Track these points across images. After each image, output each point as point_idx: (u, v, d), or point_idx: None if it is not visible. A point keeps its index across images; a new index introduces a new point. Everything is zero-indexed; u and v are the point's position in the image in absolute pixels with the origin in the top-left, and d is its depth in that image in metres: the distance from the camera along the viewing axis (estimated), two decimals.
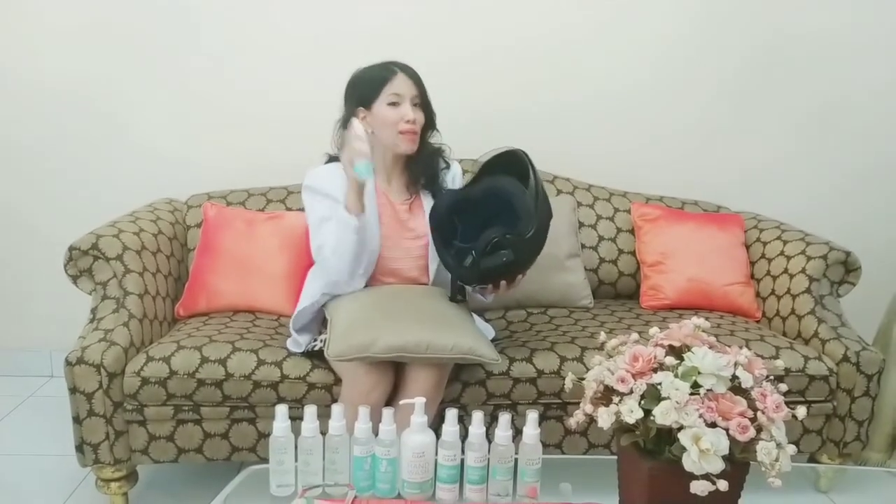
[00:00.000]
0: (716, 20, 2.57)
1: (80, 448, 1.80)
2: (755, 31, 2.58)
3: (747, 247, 2.36)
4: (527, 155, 1.74)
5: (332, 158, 1.92)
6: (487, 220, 1.73)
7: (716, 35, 2.58)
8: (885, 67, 2.63)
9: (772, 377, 1.15)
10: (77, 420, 1.78)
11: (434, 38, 2.51)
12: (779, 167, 2.70)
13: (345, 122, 1.87)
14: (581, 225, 2.41)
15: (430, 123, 1.88)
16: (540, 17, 2.54)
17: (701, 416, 1.04)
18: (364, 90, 1.83)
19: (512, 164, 1.76)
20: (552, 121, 2.61)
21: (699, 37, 2.58)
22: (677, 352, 1.14)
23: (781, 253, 2.24)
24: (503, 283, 1.76)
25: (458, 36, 2.54)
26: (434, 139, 1.92)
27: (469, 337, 1.68)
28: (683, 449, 1.02)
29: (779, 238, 2.29)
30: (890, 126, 2.68)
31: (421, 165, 1.89)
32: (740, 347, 1.15)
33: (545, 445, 1.85)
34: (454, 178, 1.96)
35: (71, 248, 1.92)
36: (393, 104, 1.79)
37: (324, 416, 1.31)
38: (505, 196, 1.73)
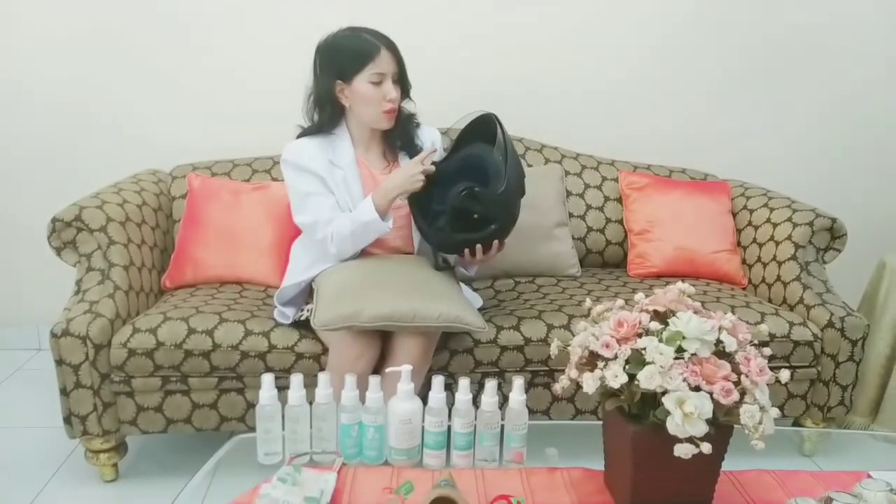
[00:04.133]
0: None
1: (67, 420, 1.80)
2: (745, 4, 2.56)
3: (734, 214, 2.37)
4: (496, 116, 1.75)
5: (305, 131, 1.88)
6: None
7: (706, 8, 2.56)
8: (865, 36, 2.62)
9: (756, 342, 1.15)
10: (64, 392, 1.78)
11: (420, 8, 2.48)
12: (766, 136, 2.70)
13: (321, 94, 1.82)
14: (569, 194, 2.40)
15: (405, 94, 1.85)
16: None
17: (685, 380, 1.04)
18: (345, 63, 1.77)
19: (484, 129, 1.76)
20: (541, 90, 2.59)
21: (690, 10, 2.56)
22: (662, 317, 1.15)
23: (768, 220, 2.24)
24: (479, 249, 1.75)
25: (446, 7, 2.50)
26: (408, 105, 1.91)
27: (456, 305, 1.68)
28: (668, 413, 1.03)
29: (765, 205, 2.29)
30: (874, 94, 2.68)
31: (397, 132, 1.88)
32: (725, 313, 1.15)
33: (533, 412, 1.87)
34: (434, 145, 1.94)
35: (54, 220, 1.90)
36: (375, 83, 1.76)
37: (311, 385, 1.31)
38: (475, 161, 1.75)
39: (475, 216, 1.72)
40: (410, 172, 1.74)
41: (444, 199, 1.74)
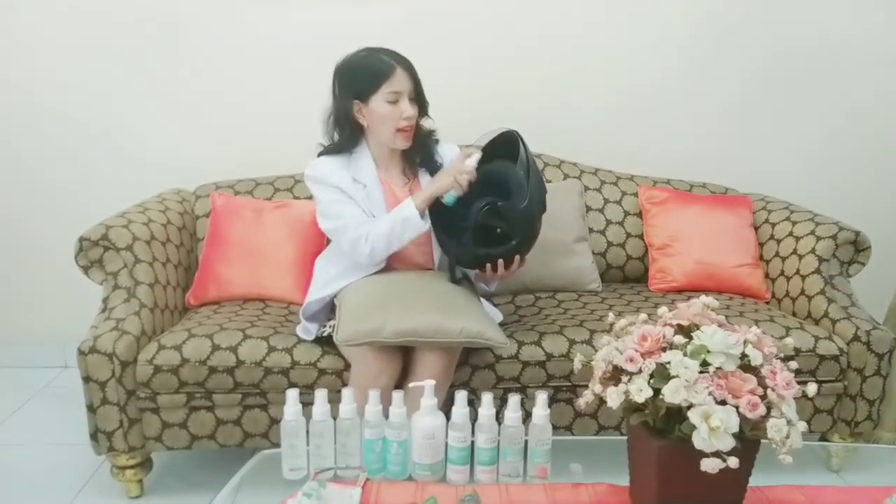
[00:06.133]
0: (720, 7, 2.56)
1: (94, 436, 1.82)
2: (762, 17, 2.57)
3: (756, 228, 2.35)
4: (518, 134, 1.76)
5: (326, 149, 1.90)
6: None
7: (723, 22, 2.57)
8: (888, 48, 2.61)
9: (781, 356, 1.15)
10: (91, 409, 1.80)
11: (438, 23, 2.51)
12: (787, 149, 2.69)
13: (340, 115, 1.85)
14: (588, 209, 2.40)
15: (423, 111, 1.87)
16: (549, 6, 2.53)
17: (710, 393, 1.04)
18: (361, 83, 1.80)
19: (507, 146, 1.77)
20: (560, 106, 2.60)
21: (707, 23, 2.57)
22: (686, 331, 1.14)
23: (790, 234, 2.23)
24: (500, 264, 1.75)
25: (465, 25, 2.53)
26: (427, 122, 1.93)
27: (477, 321, 1.68)
28: (693, 427, 1.02)
29: (787, 219, 2.28)
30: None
31: (416, 150, 1.90)
32: (749, 327, 1.15)
33: (555, 428, 1.85)
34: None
35: (81, 239, 1.93)
36: (392, 101, 1.78)
37: (335, 401, 1.32)
38: (498, 177, 1.76)
39: (497, 231, 1.73)
40: (450, 174, 1.75)
41: (467, 214, 1.75)
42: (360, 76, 1.80)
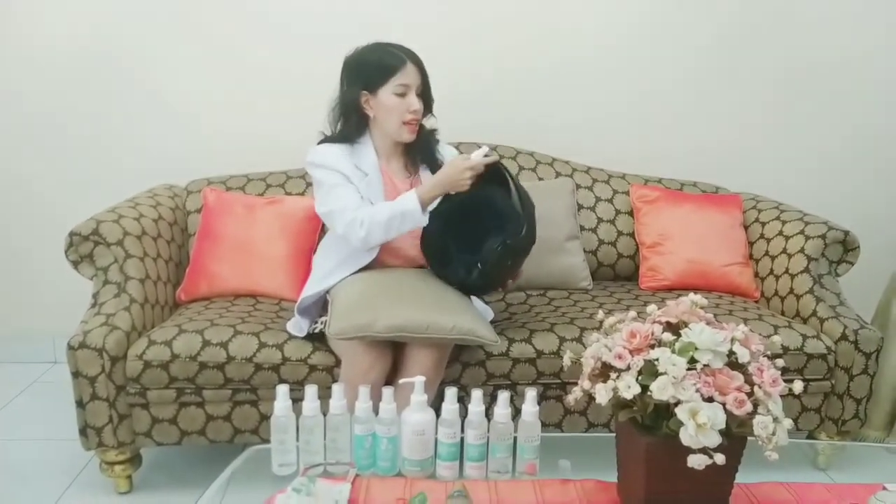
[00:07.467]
0: (717, 9, 2.58)
1: (83, 431, 1.82)
2: (761, 21, 2.58)
3: (746, 227, 2.37)
4: (501, 163, 1.77)
5: (329, 138, 1.91)
6: (479, 229, 1.78)
7: (714, 21, 2.58)
8: (883, 51, 2.63)
9: (769, 353, 1.15)
10: (80, 404, 1.80)
11: (432, 22, 2.52)
12: (778, 149, 2.70)
13: (347, 105, 1.86)
14: (580, 207, 2.41)
15: (428, 108, 1.89)
16: (545, 7, 2.54)
17: (698, 390, 1.05)
18: (371, 75, 1.82)
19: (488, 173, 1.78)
20: (552, 104, 2.61)
21: (702, 27, 2.58)
22: (674, 328, 1.15)
23: (780, 233, 2.24)
24: (510, 281, 1.85)
25: (464, 24, 2.54)
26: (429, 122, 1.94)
27: (469, 318, 1.69)
28: (681, 423, 1.03)
29: (777, 218, 2.29)
30: (888, 107, 2.68)
31: (418, 146, 1.92)
32: (737, 325, 1.16)
33: (545, 425, 1.87)
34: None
35: (71, 234, 1.93)
36: (400, 94, 1.80)
37: (325, 397, 1.32)
38: (490, 204, 1.77)
39: (508, 263, 1.78)
40: (460, 172, 1.72)
41: (465, 244, 1.79)
42: (371, 67, 1.82)
